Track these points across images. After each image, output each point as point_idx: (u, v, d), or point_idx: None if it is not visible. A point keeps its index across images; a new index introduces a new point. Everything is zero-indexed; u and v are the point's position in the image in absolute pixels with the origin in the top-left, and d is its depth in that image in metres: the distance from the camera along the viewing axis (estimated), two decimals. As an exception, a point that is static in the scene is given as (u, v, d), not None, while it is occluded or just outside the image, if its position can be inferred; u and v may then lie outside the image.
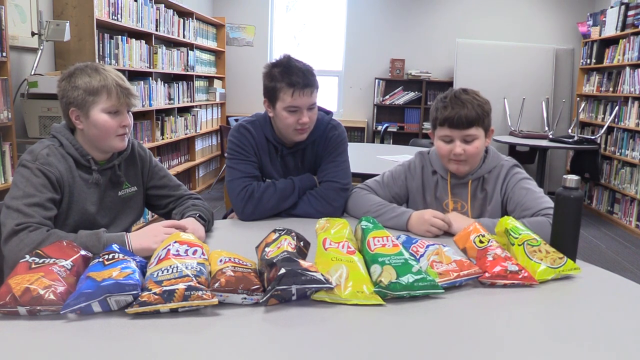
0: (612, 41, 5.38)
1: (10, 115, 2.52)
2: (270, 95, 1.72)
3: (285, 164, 1.83)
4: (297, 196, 1.76)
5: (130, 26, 3.82)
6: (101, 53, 3.41)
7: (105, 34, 3.47)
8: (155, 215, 3.81)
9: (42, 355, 0.86)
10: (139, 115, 4.16)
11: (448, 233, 1.59)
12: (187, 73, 5.15)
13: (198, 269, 1.07)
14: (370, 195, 1.78)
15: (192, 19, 5.24)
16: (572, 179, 1.30)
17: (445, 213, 1.66)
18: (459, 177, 1.70)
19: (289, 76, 1.66)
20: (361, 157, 3.50)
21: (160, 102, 4.46)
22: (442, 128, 1.62)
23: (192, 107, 5.34)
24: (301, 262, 1.09)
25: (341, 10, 6.42)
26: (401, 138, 6.24)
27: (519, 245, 1.30)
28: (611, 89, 5.28)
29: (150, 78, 4.20)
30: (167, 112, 4.76)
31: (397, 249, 1.21)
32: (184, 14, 5.06)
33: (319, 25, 6.56)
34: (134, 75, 4.11)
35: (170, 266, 1.06)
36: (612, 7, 5.26)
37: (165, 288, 0.99)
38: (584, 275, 1.30)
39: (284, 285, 1.03)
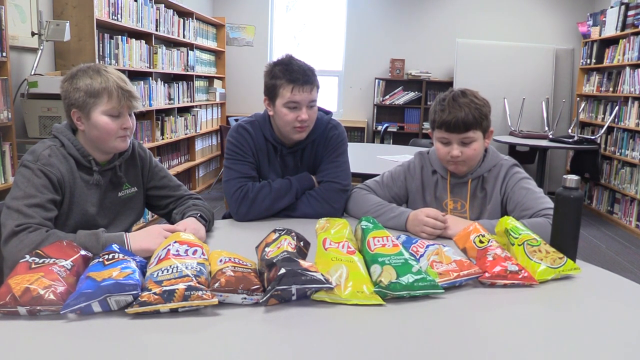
0: (612, 41, 5.38)
1: (10, 115, 2.52)
2: (271, 93, 1.72)
3: (285, 163, 1.83)
4: (294, 195, 1.76)
5: (130, 26, 3.82)
6: (101, 53, 3.41)
7: (105, 34, 3.47)
8: (155, 216, 3.82)
9: (42, 355, 0.86)
10: (138, 116, 4.15)
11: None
12: (187, 73, 5.15)
13: (198, 269, 1.07)
14: (370, 195, 1.78)
15: (192, 19, 5.24)
16: (572, 179, 1.30)
17: (444, 213, 1.66)
18: (459, 176, 1.70)
19: (289, 73, 1.66)
20: (361, 157, 3.50)
21: (160, 102, 4.46)
22: (439, 131, 1.63)
23: (192, 107, 5.34)
24: (301, 262, 1.09)
25: (341, 10, 6.41)
26: (401, 138, 6.24)
27: (519, 245, 1.30)
28: (611, 89, 5.28)
29: (150, 78, 4.20)
30: (167, 112, 4.76)
31: (397, 249, 1.22)
32: (184, 14, 5.06)
33: (319, 25, 6.56)
34: (134, 75, 4.11)
35: (170, 266, 1.06)
36: (612, 7, 5.26)
37: (165, 288, 0.99)
38: (584, 275, 1.30)
39: (284, 285, 1.03)
